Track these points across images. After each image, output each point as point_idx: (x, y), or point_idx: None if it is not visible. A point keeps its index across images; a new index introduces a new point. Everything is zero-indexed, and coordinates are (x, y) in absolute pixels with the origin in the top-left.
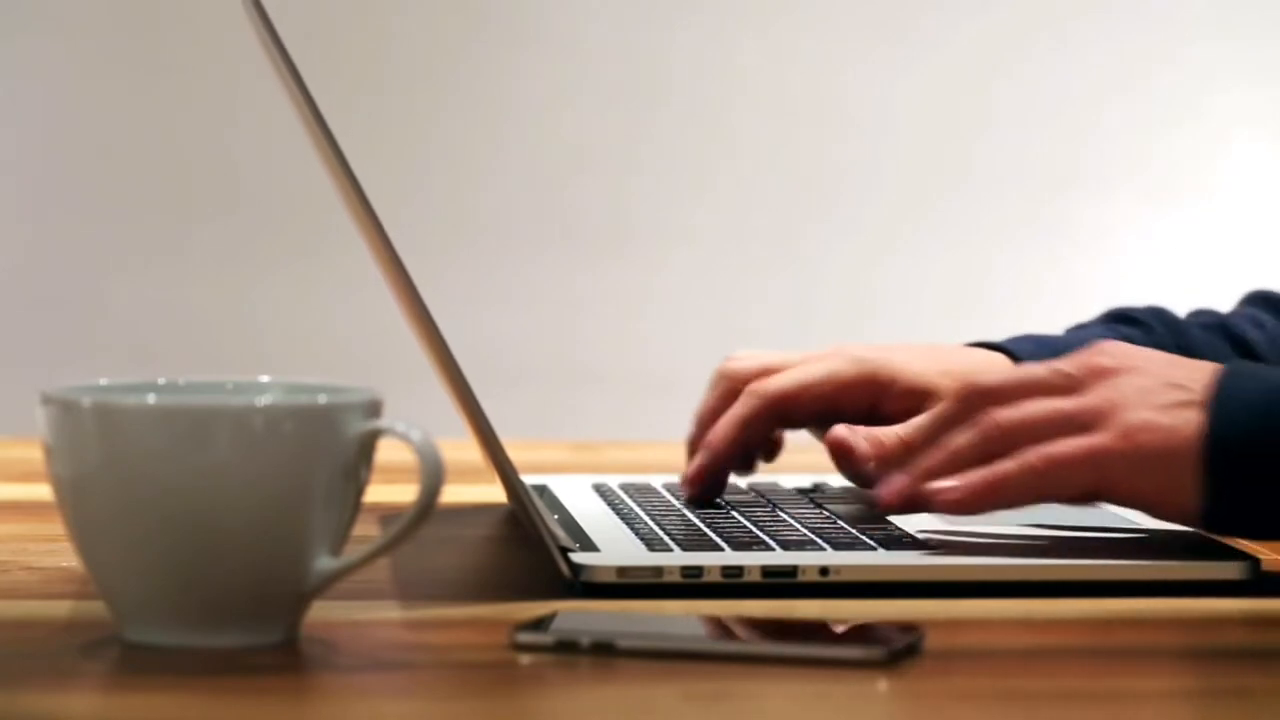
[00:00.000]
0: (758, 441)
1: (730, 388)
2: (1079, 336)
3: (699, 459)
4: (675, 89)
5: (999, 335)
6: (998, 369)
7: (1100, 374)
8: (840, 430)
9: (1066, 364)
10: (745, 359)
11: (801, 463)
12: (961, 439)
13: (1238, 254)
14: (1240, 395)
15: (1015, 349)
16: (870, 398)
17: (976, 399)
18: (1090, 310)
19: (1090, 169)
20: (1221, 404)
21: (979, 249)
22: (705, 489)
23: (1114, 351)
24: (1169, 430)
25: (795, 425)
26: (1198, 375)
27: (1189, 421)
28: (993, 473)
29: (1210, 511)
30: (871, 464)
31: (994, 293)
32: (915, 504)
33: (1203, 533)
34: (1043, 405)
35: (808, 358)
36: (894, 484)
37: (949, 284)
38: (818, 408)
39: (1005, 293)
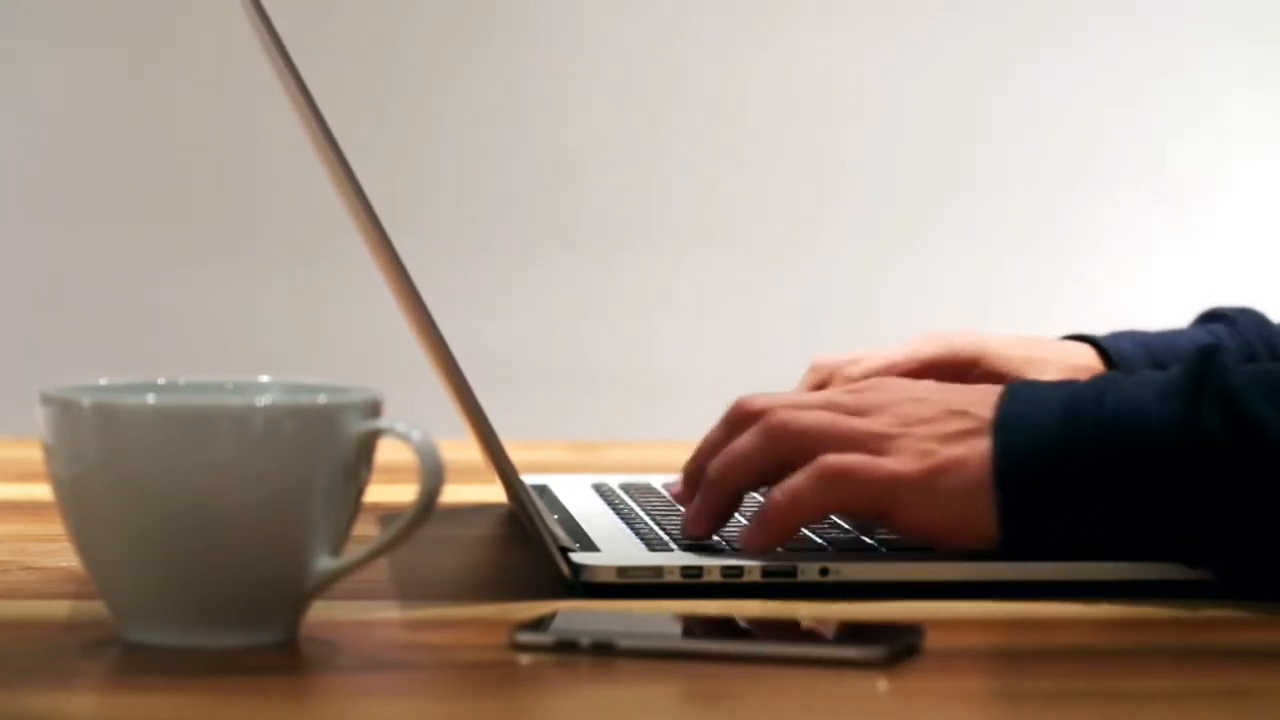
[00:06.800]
0: None
1: (819, 379)
2: (1173, 336)
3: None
4: (681, 89)
5: (1033, 335)
6: (1080, 361)
7: (879, 406)
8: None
9: (841, 394)
10: (832, 354)
11: None
12: (742, 440)
13: (1249, 257)
14: (1021, 416)
15: (1110, 345)
16: (954, 377)
17: (751, 414)
18: (1095, 311)
19: (1100, 172)
20: (1004, 427)
21: (989, 251)
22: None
23: (890, 385)
24: (957, 460)
25: None
26: (982, 400)
27: (976, 449)
28: (781, 492)
29: (1008, 537)
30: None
31: (1004, 294)
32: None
33: None
34: (827, 416)
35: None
36: (690, 514)
37: (959, 286)
38: None
39: (1015, 295)
